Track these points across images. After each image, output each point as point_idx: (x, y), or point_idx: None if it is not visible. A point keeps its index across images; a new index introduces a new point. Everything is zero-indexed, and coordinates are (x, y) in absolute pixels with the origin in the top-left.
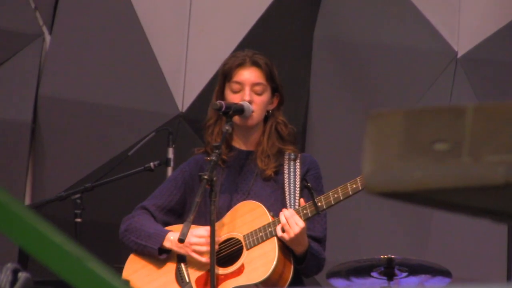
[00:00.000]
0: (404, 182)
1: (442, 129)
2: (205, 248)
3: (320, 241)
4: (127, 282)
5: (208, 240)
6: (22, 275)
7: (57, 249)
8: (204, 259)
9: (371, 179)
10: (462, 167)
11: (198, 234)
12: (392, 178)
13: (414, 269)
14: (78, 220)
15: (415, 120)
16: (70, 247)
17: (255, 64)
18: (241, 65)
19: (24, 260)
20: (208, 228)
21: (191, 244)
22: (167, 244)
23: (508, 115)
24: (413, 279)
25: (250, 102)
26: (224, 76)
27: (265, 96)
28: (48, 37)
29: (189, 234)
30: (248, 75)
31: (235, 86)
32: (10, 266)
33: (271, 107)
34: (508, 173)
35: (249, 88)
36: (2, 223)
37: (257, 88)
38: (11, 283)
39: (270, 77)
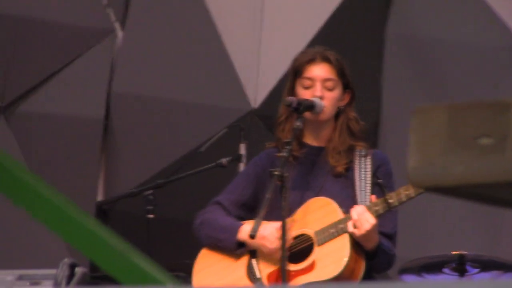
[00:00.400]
0: (448, 176)
1: (486, 124)
2: (278, 243)
3: (391, 237)
4: (171, 276)
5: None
6: (79, 270)
7: (102, 243)
8: (275, 245)
9: (415, 174)
10: (506, 162)
11: (272, 227)
12: (436, 173)
13: (486, 265)
14: (151, 216)
15: (459, 115)
16: (114, 241)
17: (325, 59)
18: (311, 61)
19: None
20: (279, 223)
21: (264, 237)
22: (241, 236)
23: None
24: (485, 275)
25: (321, 97)
26: (294, 72)
27: (336, 92)
28: (120, 33)
29: (262, 227)
30: (319, 70)
31: (306, 82)
32: (67, 261)
33: (342, 103)
34: None
35: (320, 84)
36: (49, 219)
37: (328, 84)
38: (68, 278)
39: (341, 73)
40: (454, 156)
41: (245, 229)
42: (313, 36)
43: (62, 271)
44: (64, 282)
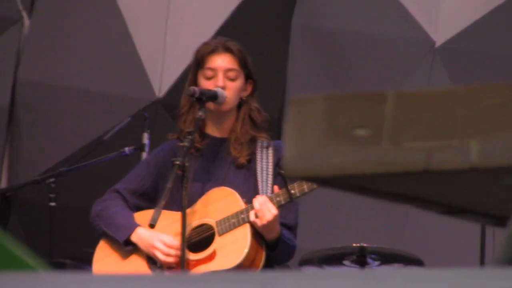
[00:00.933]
0: (324, 167)
1: (362, 115)
2: (163, 258)
3: (292, 228)
4: (42, 263)
5: (170, 251)
6: None
7: None
8: (165, 257)
9: (291, 164)
10: (381, 153)
11: (162, 240)
12: (313, 163)
13: (387, 258)
14: (53, 204)
15: (336, 106)
16: None
17: (227, 50)
18: (213, 51)
19: None
20: (172, 238)
21: (154, 247)
22: (134, 238)
23: (428, 102)
24: (385, 268)
25: (223, 88)
26: (197, 63)
27: (238, 82)
28: (27, 22)
29: (155, 237)
30: (221, 61)
31: (208, 73)
32: None
33: (245, 94)
34: (427, 160)
35: (222, 74)
36: None
37: (230, 74)
38: None
39: (243, 63)
40: (331, 147)
41: (138, 232)
42: (218, 27)
43: None
44: None
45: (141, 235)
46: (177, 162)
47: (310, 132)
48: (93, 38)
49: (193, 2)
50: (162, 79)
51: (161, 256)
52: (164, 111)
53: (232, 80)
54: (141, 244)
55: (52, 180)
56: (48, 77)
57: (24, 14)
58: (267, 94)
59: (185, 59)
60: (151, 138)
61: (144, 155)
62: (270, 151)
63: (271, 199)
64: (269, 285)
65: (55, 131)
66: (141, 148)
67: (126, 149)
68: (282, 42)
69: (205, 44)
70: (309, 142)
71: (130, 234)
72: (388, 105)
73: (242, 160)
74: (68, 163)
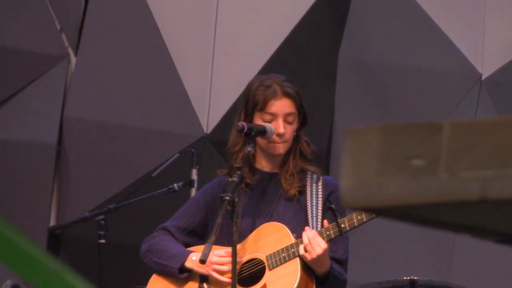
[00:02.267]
0: (381, 197)
1: (418, 145)
2: (226, 268)
3: (342, 263)
4: None
5: (229, 259)
6: None
7: (34, 262)
8: (224, 278)
9: (348, 195)
10: (438, 183)
11: (219, 254)
12: (369, 194)
13: None
14: (102, 241)
15: (392, 136)
16: (47, 260)
17: (286, 95)
18: (274, 96)
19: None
20: (229, 249)
21: (212, 263)
22: (188, 264)
23: (483, 131)
24: None
25: (284, 133)
26: (254, 105)
27: (295, 124)
28: (73, 59)
29: (210, 253)
30: (281, 106)
31: (267, 117)
32: (9, 283)
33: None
34: (483, 189)
35: (282, 119)
36: None
37: (289, 118)
38: None
39: (300, 106)
40: (387, 177)
41: (193, 257)
42: (266, 61)
43: None
44: None
45: (196, 259)
46: (227, 198)
47: (366, 162)
48: (140, 74)
49: (238, 37)
50: (209, 115)
51: (219, 268)
52: (212, 146)
53: (290, 123)
54: (197, 267)
55: (101, 217)
56: (95, 114)
57: (70, 51)
58: (315, 128)
59: (232, 94)
60: (199, 174)
61: (193, 191)
62: (320, 186)
63: (320, 233)
64: None
65: (104, 168)
66: (190, 184)
67: (175, 185)
68: (329, 75)
69: (260, 86)
70: (365, 172)
71: (185, 260)
72: (444, 135)
73: (293, 191)
74: (117, 200)
